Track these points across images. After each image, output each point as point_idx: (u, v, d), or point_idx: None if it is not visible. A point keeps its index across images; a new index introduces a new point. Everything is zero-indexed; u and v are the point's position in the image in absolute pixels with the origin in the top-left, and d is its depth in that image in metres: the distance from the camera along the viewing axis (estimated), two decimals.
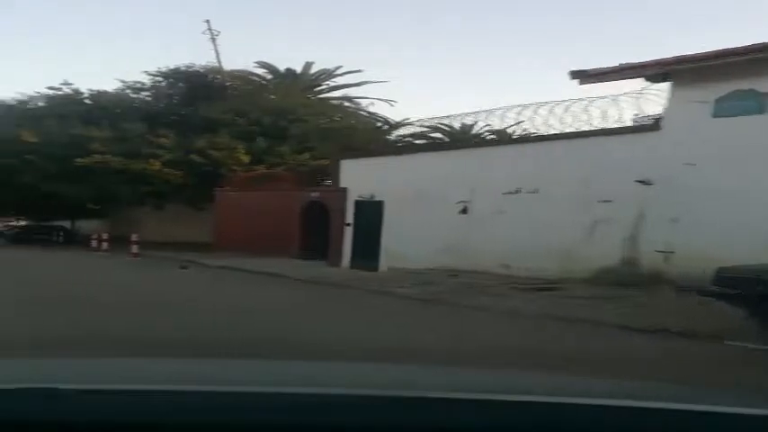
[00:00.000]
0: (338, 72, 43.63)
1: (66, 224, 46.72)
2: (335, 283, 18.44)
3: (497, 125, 27.93)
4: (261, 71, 41.83)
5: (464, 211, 19.16)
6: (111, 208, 39.01)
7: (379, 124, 41.33)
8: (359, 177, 22.95)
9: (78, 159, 33.07)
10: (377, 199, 21.92)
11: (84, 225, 47.67)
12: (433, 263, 19.12)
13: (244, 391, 1.56)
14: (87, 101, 37.59)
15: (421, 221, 20.11)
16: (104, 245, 31.41)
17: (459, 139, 31.37)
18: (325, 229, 24.84)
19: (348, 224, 23.34)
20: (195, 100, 36.47)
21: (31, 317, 10.93)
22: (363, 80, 42.56)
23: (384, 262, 21.32)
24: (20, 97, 38.09)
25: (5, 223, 57.25)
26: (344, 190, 23.54)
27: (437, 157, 20.99)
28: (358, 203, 22.90)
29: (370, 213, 22.14)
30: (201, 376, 1.89)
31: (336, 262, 23.46)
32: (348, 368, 2.41)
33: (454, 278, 17.28)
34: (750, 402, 1.68)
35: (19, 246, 37.51)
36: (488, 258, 17.67)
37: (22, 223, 55.35)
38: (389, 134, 40.21)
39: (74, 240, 41.19)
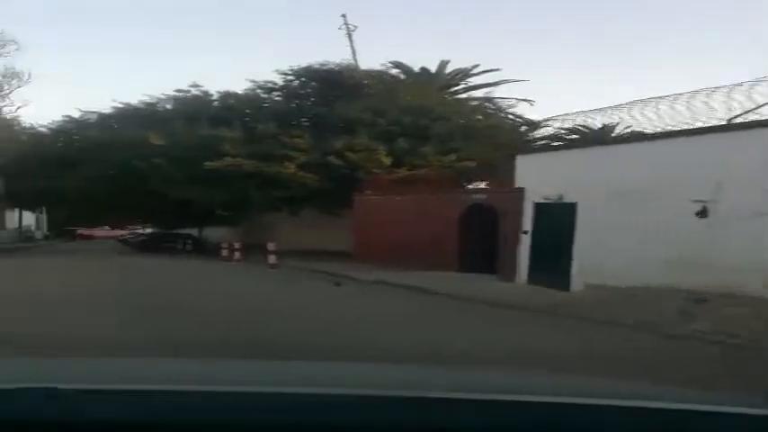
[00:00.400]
0: (474, 71, 39.73)
1: (193, 232, 44.56)
2: (538, 309, 14.38)
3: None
4: (394, 71, 38.49)
5: (702, 212, 14.68)
6: (242, 215, 36.23)
7: (520, 125, 37.26)
8: (540, 175, 18.84)
9: (208, 162, 30.33)
10: (567, 200, 17.70)
11: (211, 233, 45.43)
12: (654, 280, 14.78)
13: (244, 391, 1.49)
14: (216, 103, 34.96)
15: (633, 227, 15.83)
16: (236, 254, 28.31)
17: (600, 140, 27.20)
18: (492, 237, 20.83)
19: (525, 231, 19.23)
20: (329, 99, 33.29)
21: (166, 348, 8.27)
22: (501, 79, 38.51)
23: (578, 278, 17.06)
24: (147, 100, 35.83)
25: (131, 231, 56.19)
26: (521, 191, 19.44)
27: (656, 147, 16.56)
28: (539, 206, 18.74)
29: (558, 218, 17.98)
30: (201, 376, 1.83)
31: (509, 276, 19.39)
32: (348, 368, 2.32)
33: (700, 303, 12.88)
34: (750, 402, 1.57)
35: (145, 254, 35.25)
36: (746, 275, 13.16)
37: (148, 231, 54.04)
38: (529, 135, 36.00)
39: (202, 249, 38.73)
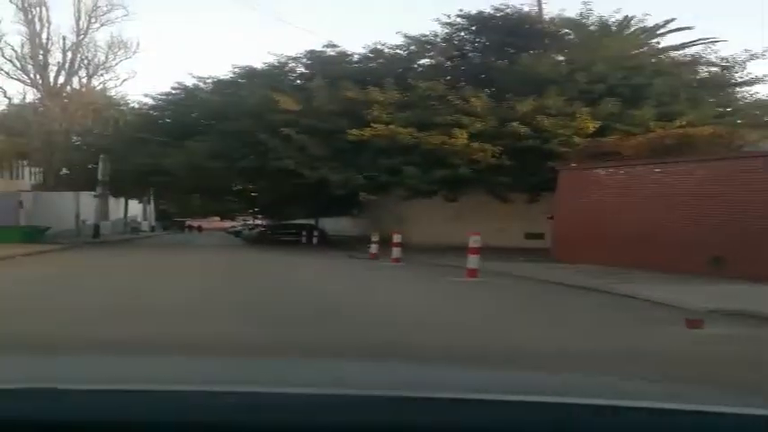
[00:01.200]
0: (661, 31, 30.03)
1: (304, 223, 36.78)
2: None
3: None
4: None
5: None
6: (382, 201, 27.97)
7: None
8: None
9: (352, 131, 22.24)
10: None
11: (328, 224, 37.68)
12: None
13: (244, 391, 1.36)
14: (358, 64, 26.63)
15: None
16: (395, 252, 19.57)
17: None
18: None
19: None
20: (506, 53, 24.65)
21: None
22: (696, 39, 28.63)
23: None
24: (273, 62, 27.71)
25: (244, 222, 49.18)
26: None
27: None
28: None
29: None
30: (201, 376, 1.70)
31: None
32: (348, 368, 2.12)
33: None
34: (750, 402, 1.50)
35: (266, 248, 27.51)
36: None
37: (258, 222, 46.99)
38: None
39: (328, 242, 30.75)
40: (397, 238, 19.19)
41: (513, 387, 1.61)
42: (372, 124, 22.20)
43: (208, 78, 28.71)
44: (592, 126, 21.03)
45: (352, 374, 1.84)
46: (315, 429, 1.22)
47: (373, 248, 21.10)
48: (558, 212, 19.19)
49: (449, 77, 24.98)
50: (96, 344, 5.97)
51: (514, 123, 21.37)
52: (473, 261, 14.30)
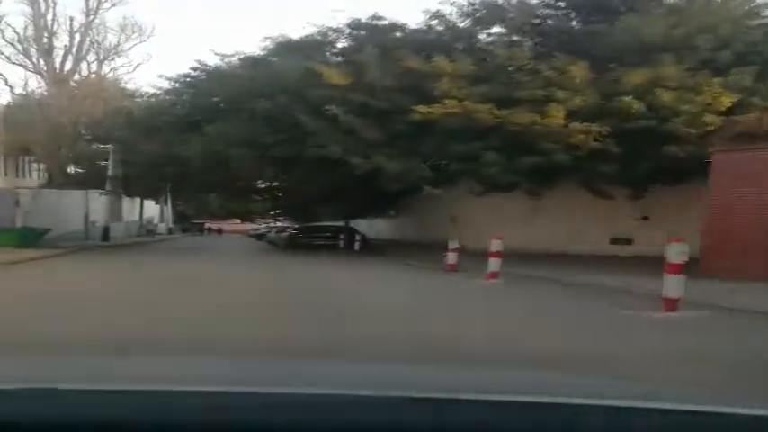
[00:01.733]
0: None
1: (341, 225, 31.49)
2: None
3: None
4: None
5: None
6: (429, 199, 22.59)
7: None
8: None
9: (419, 108, 17.02)
10: None
11: (360, 226, 32.49)
12: None
13: (244, 391, 1.26)
14: (412, 36, 21.29)
15: None
16: (493, 264, 14.05)
17: None
18: None
19: None
20: (592, 18, 19.40)
21: None
22: None
23: None
24: (312, 32, 22.34)
25: (267, 224, 43.97)
26: None
27: None
28: None
29: None
30: (202, 376, 1.57)
31: None
32: (348, 368, 2.00)
33: None
34: (749, 402, 1.34)
35: (298, 255, 22.31)
36: None
37: (281, 223, 41.87)
38: None
39: (370, 248, 25.46)
40: (496, 245, 13.70)
41: (514, 387, 1.49)
42: (442, 101, 16.98)
43: (233, 55, 23.47)
44: (728, 101, 15.76)
45: (353, 374, 1.70)
46: (313, 429, 1.14)
47: (451, 258, 15.83)
48: (710, 209, 13.87)
49: (527, 47, 19.71)
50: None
51: (626, 98, 16.10)
52: (674, 285, 8.55)
